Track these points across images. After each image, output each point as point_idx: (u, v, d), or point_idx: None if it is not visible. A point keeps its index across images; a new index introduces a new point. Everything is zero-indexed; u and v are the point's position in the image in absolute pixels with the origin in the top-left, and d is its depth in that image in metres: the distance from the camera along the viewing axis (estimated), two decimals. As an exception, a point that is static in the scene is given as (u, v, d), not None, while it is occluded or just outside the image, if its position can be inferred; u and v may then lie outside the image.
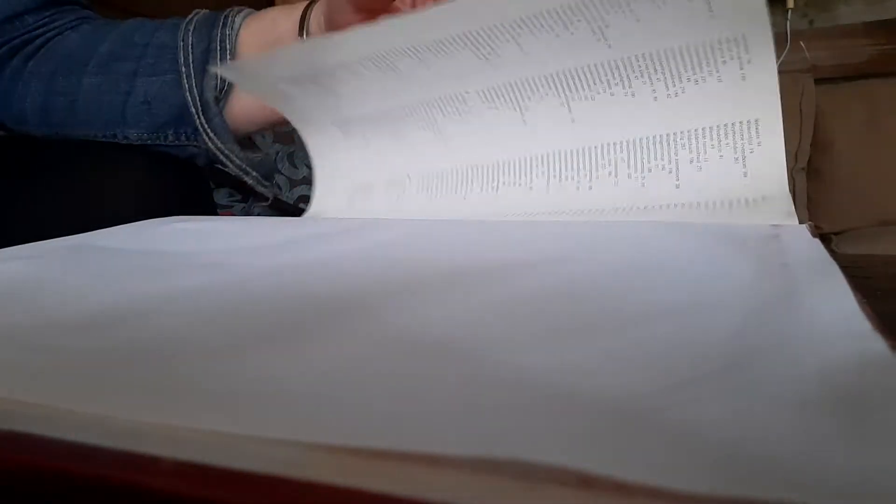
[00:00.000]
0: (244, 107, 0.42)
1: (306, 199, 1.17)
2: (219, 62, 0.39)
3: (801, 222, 0.25)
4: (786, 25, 1.58)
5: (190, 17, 0.41)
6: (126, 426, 0.10)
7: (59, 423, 0.10)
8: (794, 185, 1.38)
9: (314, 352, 0.13)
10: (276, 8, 0.40)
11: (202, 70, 0.39)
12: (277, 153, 1.15)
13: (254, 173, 0.43)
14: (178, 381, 0.12)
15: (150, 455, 0.09)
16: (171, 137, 0.41)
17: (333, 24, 0.34)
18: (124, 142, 0.41)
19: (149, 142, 0.41)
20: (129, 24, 0.42)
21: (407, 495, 0.08)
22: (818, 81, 1.43)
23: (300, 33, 0.38)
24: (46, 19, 0.42)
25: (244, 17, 0.40)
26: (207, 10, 0.41)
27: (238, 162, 0.42)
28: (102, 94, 0.40)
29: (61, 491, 0.09)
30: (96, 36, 0.42)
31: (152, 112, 0.40)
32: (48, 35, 0.42)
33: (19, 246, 0.25)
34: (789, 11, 1.57)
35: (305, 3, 0.38)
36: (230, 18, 0.40)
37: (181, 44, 0.40)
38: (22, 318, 0.17)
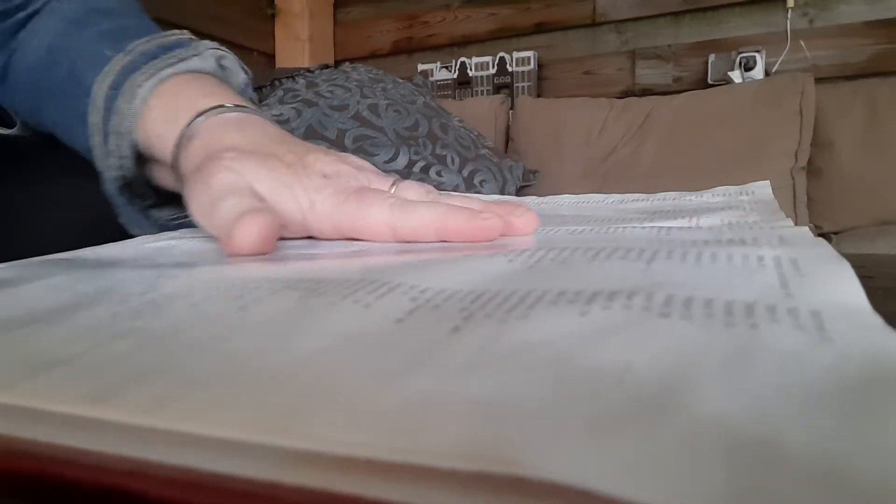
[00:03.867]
0: (158, 178, 0.36)
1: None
2: (118, 146, 0.33)
3: (800, 222, 0.25)
4: (786, 24, 1.58)
5: (111, 64, 0.34)
6: (120, 429, 0.09)
7: (51, 426, 0.10)
8: (794, 185, 1.38)
9: (308, 332, 0.13)
10: (161, 109, 0.33)
11: (104, 152, 0.34)
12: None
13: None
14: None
15: (144, 460, 0.09)
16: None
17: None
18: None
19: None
20: (80, 43, 0.37)
21: (402, 501, 0.08)
22: (818, 81, 1.43)
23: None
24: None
25: (145, 98, 0.33)
26: (139, 50, 0.35)
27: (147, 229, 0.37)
28: (57, 131, 0.37)
29: (51, 496, 0.09)
30: (57, 52, 0.37)
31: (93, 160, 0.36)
32: (18, 39, 0.38)
33: (7, 263, 0.24)
34: (789, 10, 1.57)
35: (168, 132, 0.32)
36: (134, 83, 0.33)
37: (90, 107, 0.34)
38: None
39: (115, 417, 0.10)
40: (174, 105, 0.32)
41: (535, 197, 0.47)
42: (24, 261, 0.25)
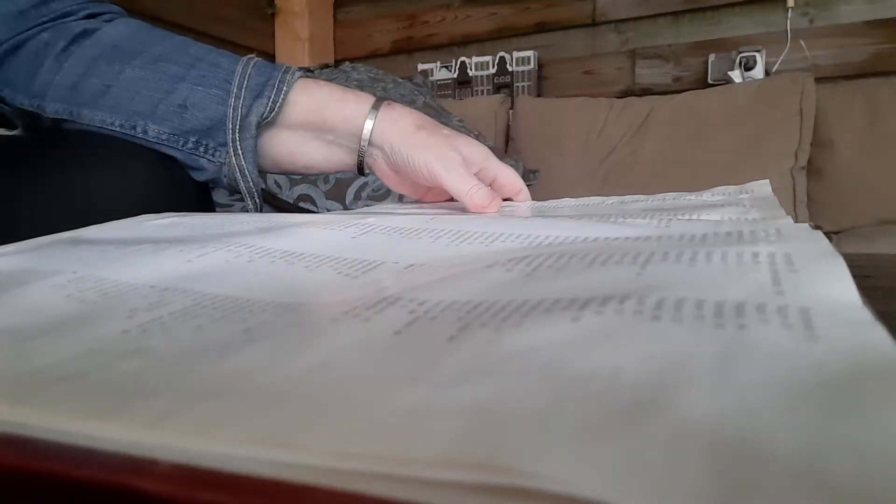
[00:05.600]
0: (275, 144, 0.44)
1: (306, 197, 1.17)
2: (273, 95, 0.42)
3: (800, 222, 0.25)
4: (786, 24, 1.58)
5: (249, 56, 0.44)
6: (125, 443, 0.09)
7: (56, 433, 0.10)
8: (794, 184, 1.38)
9: (310, 348, 0.13)
10: (329, 87, 0.44)
11: (254, 96, 0.42)
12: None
13: (257, 199, 0.45)
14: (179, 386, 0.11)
15: (147, 458, 0.09)
16: (190, 145, 0.43)
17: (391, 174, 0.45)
18: (141, 136, 0.42)
19: (165, 142, 0.42)
20: (183, 38, 0.45)
21: (405, 499, 0.08)
22: (818, 80, 1.43)
23: (359, 169, 0.45)
24: (74, 7, 0.44)
25: (301, 76, 0.44)
26: (265, 60, 0.44)
27: (251, 184, 0.44)
28: (141, 87, 0.42)
29: (57, 494, 0.09)
30: (149, 36, 0.44)
31: (184, 116, 0.42)
32: (88, 27, 0.43)
33: (16, 243, 0.25)
34: (789, 10, 1.57)
35: (361, 102, 0.43)
36: (290, 69, 0.44)
37: (240, 70, 0.42)
38: (16, 318, 0.16)
39: (121, 435, 0.10)
40: (330, 89, 0.44)
41: (535, 202, 0.47)
42: (27, 243, 0.24)
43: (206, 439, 0.09)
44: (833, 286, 0.15)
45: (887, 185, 1.33)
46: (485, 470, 0.08)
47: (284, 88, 0.42)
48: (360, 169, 0.45)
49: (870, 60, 1.53)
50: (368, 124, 0.43)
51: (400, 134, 0.42)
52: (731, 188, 0.40)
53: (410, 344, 0.13)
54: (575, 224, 0.27)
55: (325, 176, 1.16)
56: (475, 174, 0.44)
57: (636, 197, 0.42)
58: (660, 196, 0.41)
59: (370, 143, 0.43)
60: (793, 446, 0.08)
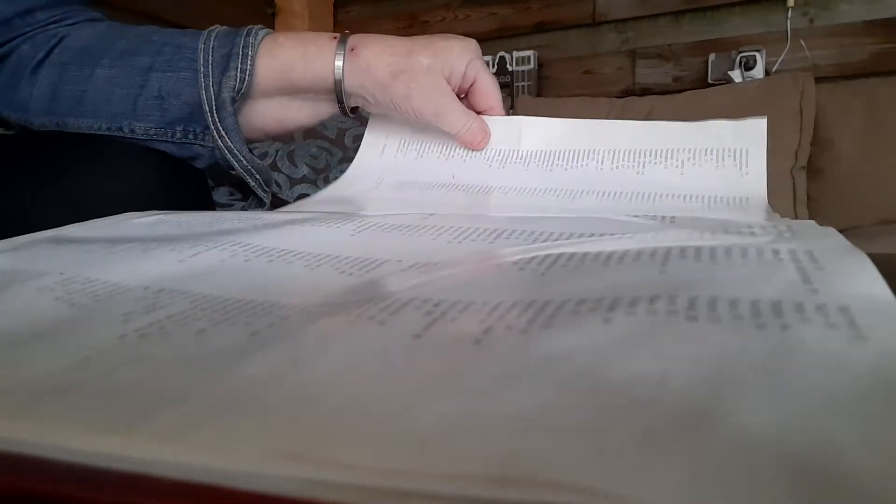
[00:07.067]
0: (258, 115, 0.43)
1: (306, 197, 1.17)
2: (239, 65, 0.40)
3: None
4: (786, 24, 1.58)
5: (210, 28, 0.43)
6: (123, 448, 0.09)
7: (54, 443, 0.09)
8: (794, 184, 1.38)
9: (326, 353, 0.13)
10: (290, 41, 0.42)
11: (221, 71, 0.40)
12: (277, 151, 1.15)
13: (257, 176, 0.44)
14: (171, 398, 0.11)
15: (151, 476, 0.09)
16: (178, 135, 0.42)
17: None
18: (129, 136, 0.41)
19: (154, 137, 0.42)
20: (146, 27, 0.44)
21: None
22: (818, 80, 1.43)
23: (342, 110, 0.43)
24: (58, 16, 0.43)
25: (265, 34, 0.42)
26: (227, 27, 0.43)
27: (245, 163, 0.43)
28: (115, 86, 0.41)
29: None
30: (113, 32, 0.43)
31: (164, 107, 0.41)
32: (61, 34, 0.42)
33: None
34: (789, 10, 1.57)
35: (325, 56, 0.41)
36: (252, 30, 0.42)
37: (202, 46, 0.41)
38: None
39: (132, 452, 0.09)
40: (294, 40, 0.42)
41: (515, 118, 0.45)
42: (5, 242, 0.23)
43: (230, 455, 0.09)
44: (865, 283, 0.14)
45: (887, 184, 1.32)
46: (537, 486, 0.07)
47: (250, 54, 0.40)
48: (346, 113, 0.44)
49: (870, 60, 1.52)
50: (339, 81, 0.41)
51: (379, 86, 0.41)
52: (726, 127, 0.39)
53: (434, 348, 0.13)
54: (577, 221, 0.26)
55: (325, 176, 1.16)
56: (461, 85, 0.43)
57: (627, 125, 0.41)
58: (655, 125, 0.41)
59: (347, 94, 0.42)
60: (873, 462, 0.07)
